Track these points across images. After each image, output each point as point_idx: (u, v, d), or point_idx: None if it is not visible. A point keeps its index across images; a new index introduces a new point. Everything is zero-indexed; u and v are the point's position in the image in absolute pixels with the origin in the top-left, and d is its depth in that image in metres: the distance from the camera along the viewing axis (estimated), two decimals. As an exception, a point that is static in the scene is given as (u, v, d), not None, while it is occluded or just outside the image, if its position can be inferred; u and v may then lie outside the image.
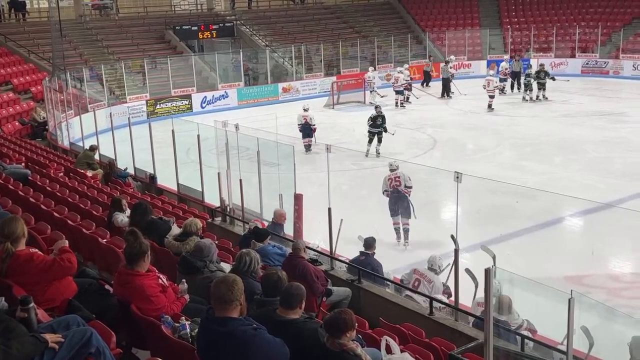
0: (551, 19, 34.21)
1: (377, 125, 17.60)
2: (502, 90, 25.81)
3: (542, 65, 26.30)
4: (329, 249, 8.41)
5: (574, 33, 32.30)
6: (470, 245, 10.39)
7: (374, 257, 8.28)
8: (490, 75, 23.98)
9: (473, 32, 34.22)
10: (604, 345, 5.37)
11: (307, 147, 17.94)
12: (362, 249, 8.37)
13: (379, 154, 17.33)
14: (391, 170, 11.84)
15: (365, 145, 17.63)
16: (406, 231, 11.57)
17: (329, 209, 8.42)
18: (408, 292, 7.54)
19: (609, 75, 28.17)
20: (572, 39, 32.37)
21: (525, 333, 6.30)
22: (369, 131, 17.59)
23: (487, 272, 4.95)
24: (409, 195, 11.54)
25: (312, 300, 6.53)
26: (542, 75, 24.34)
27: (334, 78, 28.77)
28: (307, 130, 18.16)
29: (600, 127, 20.06)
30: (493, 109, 23.05)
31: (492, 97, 23.27)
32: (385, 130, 17.58)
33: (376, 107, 18.28)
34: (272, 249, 7.79)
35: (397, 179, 11.64)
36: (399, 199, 11.58)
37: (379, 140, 17.58)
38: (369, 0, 37.45)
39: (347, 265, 8.16)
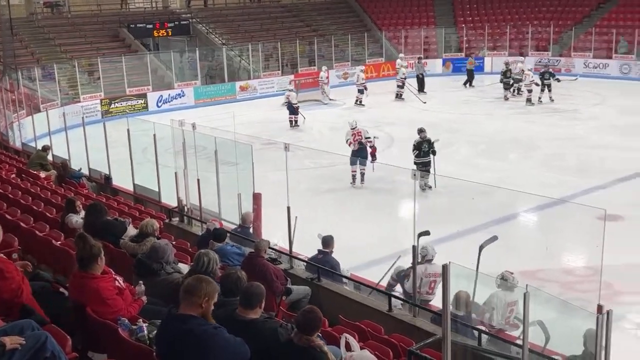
0: (504, 18, 34.78)
1: (425, 153, 14.33)
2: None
3: (546, 66, 26.41)
4: (288, 248, 8.40)
5: (526, 32, 32.90)
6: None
7: (332, 255, 8.28)
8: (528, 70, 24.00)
9: (429, 30, 34.59)
10: (560, 338, 5.48)
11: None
12: (321, 248, 8.38)
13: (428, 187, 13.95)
14: (352, 128, 15.27)
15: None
16: (362, 174, 14.92)
17: (288, 208, 8.41)
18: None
19: (560, 73, 28.73)
20: (525, 37, 32.99)
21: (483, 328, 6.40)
22: (415, 162, 14.08)
23: (445, 268, 5.00)
24: (368, 145, 14.99)
25: (272, 300, 6.52)
26: (546, 76, 23.75)
27: (292, 76, 28.75)
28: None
29: (553, 124, 20.48)
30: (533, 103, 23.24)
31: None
32: (434, 153, 14.39)
33: (420, 130, 14.57)
34: (230, 248, 7.74)
35: (358, 133, 15.07)
36: (360, 150, 14.85)
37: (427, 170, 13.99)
38: (325, -2, 37.54)
39: (306, 264, 8.17)
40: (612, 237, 7.11)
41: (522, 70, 25.02)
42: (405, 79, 25.74)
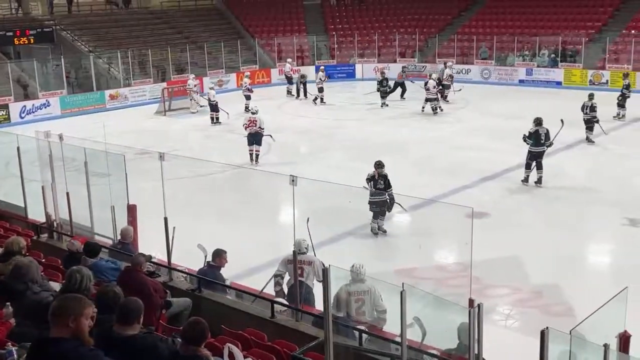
0: (373, 26, 35.85)
1: (381, 191, 11.90)
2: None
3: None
4: (166, 260, 8.21)
5: (394, 39, 34.13)
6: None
7: (220, 270, 8.13)
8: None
9: (301, 38, 35.04)
10: (435, 333, 5.70)
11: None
12: (208, 259, 8.21)
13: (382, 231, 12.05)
14: (252, 113, 17.43)
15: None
16: (257, 155, 17.06)
17: (165, 219, 8.23)
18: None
19: (425, 79, 29.99)
20: (392, 44, 34.19)
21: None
22: (370, 202, 11.94)
23: (325, 272, 5.08)
24: (263, 133, 17.07)
25: (151, 314, 6.34)
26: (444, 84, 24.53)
27: (164, 84, 28.16)
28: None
29: (422, 127, 21.32)
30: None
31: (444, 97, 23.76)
32: (393, 201, 11.90)
33: (377, 165, 12.34)
34: (105, 264, 7.47)
35: (254, 121, 17.07)
36: (255, 135, 16.98)
37: (382, 214, 11.97)
38: (196, 5, 37.02)
39: (186, 275, 8.01)
40: (480, 233, 7.50)
41: (450, 76, 25.78)
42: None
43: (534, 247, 10.98)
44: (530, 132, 14.41)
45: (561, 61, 29.47)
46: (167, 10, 36.19)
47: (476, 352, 4.63)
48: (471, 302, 4.74)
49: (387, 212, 11.89)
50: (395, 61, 33.44)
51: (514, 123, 15.98)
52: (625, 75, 22.93)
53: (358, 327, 6.44)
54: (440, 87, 23.91)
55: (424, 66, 32.62)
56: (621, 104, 21.21)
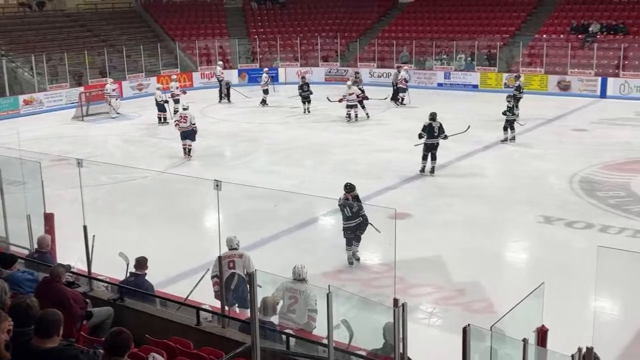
0: (295, 30, 35.99)
1: (351, 219, 10.70)
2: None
3: (303, 78, 26.22)
4: (86, 269, 7.97)
5: (316, 43, 34.35)
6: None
7: (146, 277, 7.97)
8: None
9: (222, 41, 34.78)
10: (362, 334, 5.77)
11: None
12: (132, 269, 8.02)
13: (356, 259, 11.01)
14: (184, 109, 18.21)
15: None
16: (190, 150, 18.00)
17: (85, 227, 7.99)
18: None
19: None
20: (314, 48, 34.41)
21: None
22: (344, 229, 10.78)
23: (251, 276, 5.05)
24: (194, 129, 17.91)
25: (72, 326, 6.15)
26: (305, 88, 24.20)
27: (81, 88, 27.37)
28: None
29: (344, 131, 21.51)
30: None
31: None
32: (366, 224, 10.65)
33: (348, 188, 10.96)
34: (22, 275, 7.17)
35: (185, 117, 17.91)
36: (187, 130, 17.84)
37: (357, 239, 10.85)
38: (113, 7, 36.14)
39: (108, 285, 7.81)
40: (403, 233, 7.65)
41: (405, 80, 25.86)
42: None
43: (455, 246, 11.27)
44: (424, 126, 15.74)
45: (477, 65, 30.39)
46: (83, 13, 35.19)
47: (401, 351, 4.70)
48: (396, 301, 4.82)
49: (361, 237, 10.74)
50: (317, 65, 33.70)
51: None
52: (517, 78, 24.10)
53: (286, 330, 6.44)
54: (361, 94, 23.74)
55: (345, 70, 32.99)
56: (515, 105, 22.07)
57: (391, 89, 26.44)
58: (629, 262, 8.45)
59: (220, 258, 8.02)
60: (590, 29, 29.49)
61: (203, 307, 7.25)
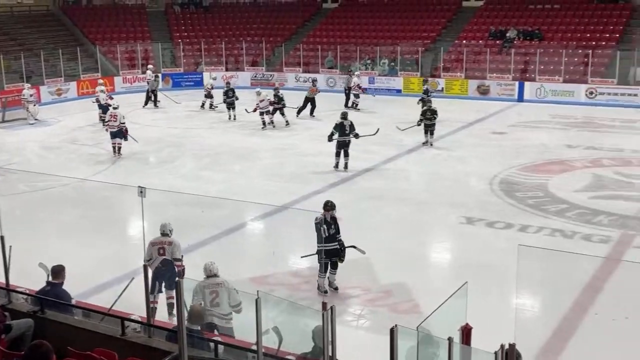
0: (219, 34, 35.71)
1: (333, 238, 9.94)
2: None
3: (228, 83, 25.92)
4: (4, 281, 7.66)
5: (241, 48, 34.21)
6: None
7: (62, 286, 7.73)
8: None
9: (145, 45, 34.16)
10: (291, 338, 5.77)
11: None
12: (49, 279, 7.76)
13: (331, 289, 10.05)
14: (114, 109, 18.83)
15: None
16: (119, 148, 18.45)
17: (1, 237, 7.69)
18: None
19: (274, 87, 30.33)
20: (240, 53, 34.26)
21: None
22: (318, 252, 9.78)
23: (178, 284, 4.98)
24: (123, 128, 18.44)
25: (-11, 341, 5.90)
26: (229, 94, 23.94)
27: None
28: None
29: (271, 135, 21.50)
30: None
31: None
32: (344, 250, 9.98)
33: (326, 206, 10.08)
34: None
35: (115, 115, 18.43)
36: (116, 131, 18.36)
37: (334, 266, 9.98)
38: (30, 10, 34.89)
39: (27, 296, 7.53)
40: (330, 237, 7.68)
41: (358, 86, 25.89)
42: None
43: (382, 248, 11.42)
44: (336, 124, 16.65)
45: (400, 70, 30.95)
46: (-2, 15, 33.89)
47: (330, 354, 4.73)
48: (324, 305, 4.84)
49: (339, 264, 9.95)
50: (243, 69, 33.57)
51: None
52: (425, 81, 24.80)
53: (213, 338, 6.38)
54: (274, 101, 23.53)
55: (271, 75, 32.99)
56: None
57: (343, 95, 26.71)
58: (548, 260, 8.80)
59: (151, 243, 8.64)
60: (508, 34, 30.54)
61: (130, 317, 7.09)
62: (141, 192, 6.88)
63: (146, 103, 27.33)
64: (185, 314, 5.93)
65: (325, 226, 9.69)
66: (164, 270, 8.94)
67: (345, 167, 16.66)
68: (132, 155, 18.60)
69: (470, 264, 10.53)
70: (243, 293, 7.40)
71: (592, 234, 12.08)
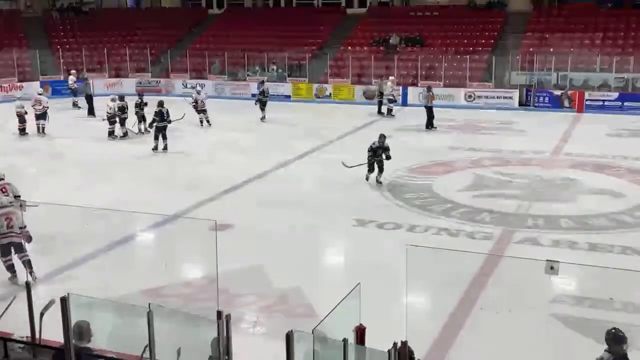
0: (101, 40, 34.55)
1: None
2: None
3: (142, 92, 24.71)
4: None
5: (125, 54, 33.29)
6: (45, 274, 9.96)
7: None
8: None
9: (21, 52, 32.57)
10: (189, 349, 5.66)
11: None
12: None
13: None
14: (39, 94, 22.19)
15: None
16: (43, 128, 22.16)
17: None
18: None
19: (161, 94, 29.76)
20: (124, 59, 33.33)
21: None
22: None
23: (64, 300, 4.79)
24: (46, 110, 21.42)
25: None
26: (142, 105, 22.35)
27: None
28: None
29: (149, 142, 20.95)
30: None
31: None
32: None
33: None
34: None
35: (39, 100, 21.85)
36: (41, 114, 21.85)
37: None
38: None
39: None
40: (225, 244, 7.63)
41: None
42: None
43: (276, 254, 11.43)
44: (155, 112, 19.37)
45: (289, 76, 31.15)
46: None
47: (227, 363, 4.69)
48: (219, 313, 4.80)
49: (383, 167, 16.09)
50: (128, 76, 32.71)
51: (249, 136, 16.50)
52: (261, 83, 26.04)
53: (104, 355, 6.15)
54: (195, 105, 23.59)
55: (158, 81, 32.34)
56: (261, 109, 24.59)
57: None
58: (435, 258, 9.12)
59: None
60: (391, 41, 31.46)
61: (12, 337, 6.72)
62: (21, 205, 6.57)
63: (90, 112, 26.15)
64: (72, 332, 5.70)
65: (380, 150, 15.78)
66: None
67: (165, 148, 19.49)
68: (10, 168, 17.64)
69: (363, 265, 10.73)
70: (134, 307, 7.19)
71: (475, 232, 12.64)
